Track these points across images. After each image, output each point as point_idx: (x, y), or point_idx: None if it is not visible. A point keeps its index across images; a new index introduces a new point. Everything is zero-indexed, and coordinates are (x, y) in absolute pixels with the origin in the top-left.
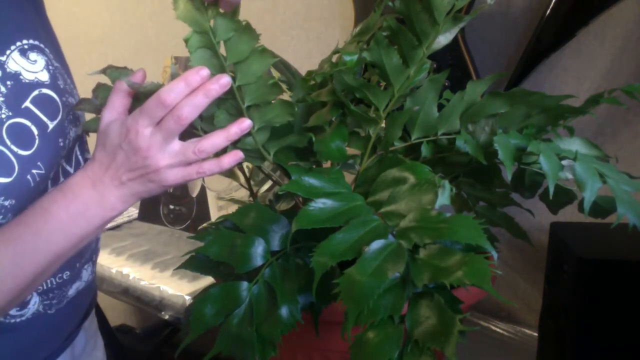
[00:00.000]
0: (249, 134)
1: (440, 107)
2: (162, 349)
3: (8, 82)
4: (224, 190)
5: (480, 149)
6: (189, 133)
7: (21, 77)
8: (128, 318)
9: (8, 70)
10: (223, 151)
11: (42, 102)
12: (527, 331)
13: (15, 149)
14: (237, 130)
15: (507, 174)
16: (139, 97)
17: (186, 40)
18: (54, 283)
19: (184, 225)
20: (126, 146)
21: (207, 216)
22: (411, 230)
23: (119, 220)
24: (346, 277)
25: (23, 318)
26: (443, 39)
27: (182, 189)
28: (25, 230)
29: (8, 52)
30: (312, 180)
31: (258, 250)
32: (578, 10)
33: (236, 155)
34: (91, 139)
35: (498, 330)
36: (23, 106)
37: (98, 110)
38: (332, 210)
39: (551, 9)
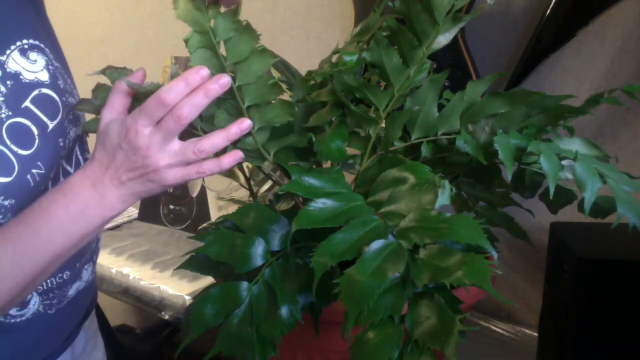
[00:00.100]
0: (249, 134)
1: (440, 107)
2: (162, 349)
3: (8, 82)
4: (224, 190)
5: (480, 149)
6: (188, 133)
7: (21, 76)
8: (128, 318)
9: (8, 70)
10: (223, 151)
11: (42, 101)
12: (527, 331)
13: (15, 148)
14: (237, 130)
15: (507, 174)
16: (139, 97)
17: (186, 41)
18: (54, 283)
19: (184, 225)
20: (126, 146)
21: (207, 216)
22: (411, 230)
23: (119, 220)
24: (346, 277)
25: (23, 318)
26: (443, 39)
27: (182, 189)
28: (24, 229)
29: (8, 51)
30: (312, 180)
31: (258, 250)
32: (578, 10)
33: (236, 155)
34: (91, 139)
35: (498, 330)
36: (23, 106)
37: (98, 110)
38: (332, 210)
39: (551, 9)
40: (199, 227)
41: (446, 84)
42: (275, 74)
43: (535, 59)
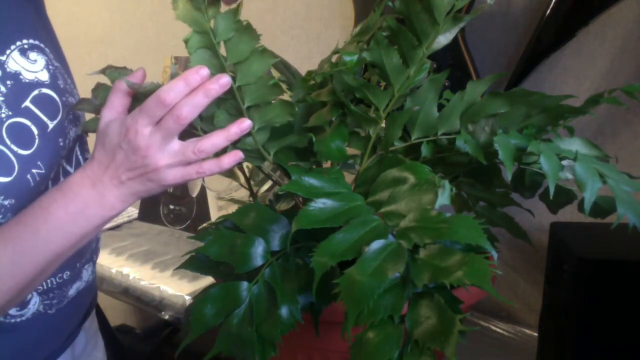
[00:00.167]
0: (249, 134)
1: (440, 107)
2: (162, 349)
3: (8, 82)
4: (224, 190)
5: (480, 149)
6: (188, 133)
7: (21, 76)
8: (128, 318)
9: (8, 69)
10: (223, 151)
11: (42, 101)
12: (527, 331)
13: (15, 148)
14: (237, 131)
15: (507, 174)
16: (139, 97)
17: (186, 41)
18: (54, 283)
19: (184, 225)
20: (125, 145)
21: (207, 216)
22: (411, 230)
23: (119, 220)
24: (346, 277)
25: (23, 318)
26: (443, 39)
27: (182, 189)
28: (24, 229)
29: (8, 51)
30: (312, 180)
31: (258, 250)
32: (578, 10)
33: (236, 156)
34: (91, 139)
35: (498, 330)
36: (23, 106)
37: (97, 110)
38: (332, 210)
39: (551, 9)
40: (199, 227)
41: (446, 84)
42: (275, 74)
43: (535, 59)
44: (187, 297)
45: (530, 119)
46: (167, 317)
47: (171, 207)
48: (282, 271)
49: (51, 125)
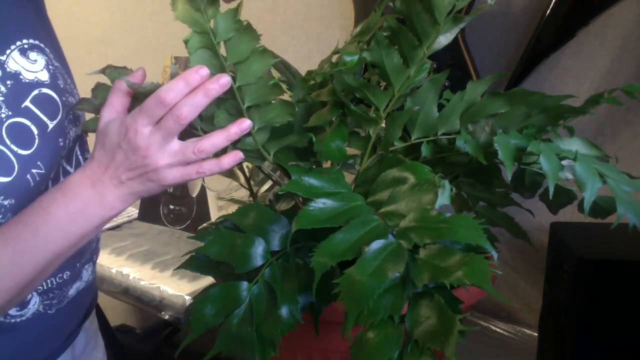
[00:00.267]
0: (249, 134)
1: (440, 107)
2: (162, 349)
3: (8, 82)
4: (224, 190)
5: (480, 149)
6: (188, 133)
7: (21, 76)
8: (128, 318)
9: (8, 69)
10: (223, 151)
11: (42, 101)
12: (527, 331)
13: (15, 148)
14: (237, 131)
15: (507, 174)
16: (138, 97)
17: (186, 41)
18: (54, 283)
19: (184, 225)
20: (125, 145)
21: (207, 216)
22: (411, 230)
23: (119, 220)
24: (346, 277)
25: (23, 318)
26: (443, 39)
27: (182, 189)
28: (24, 229)
29: (8, 51)
30: (312, 180)
31: (258, 250)
32: (578, 10)
33: (236, 156)
34: (91, 139)
35: (498, 330)
36: (23, 106)
37: (97, 110)
38: (332, 210)
39: (551, 9)
40: (199, 227)
41: (446, 84)
42: (276, 74)
43: (535, 59)
44: (187, 297)
45: (530, 119)
46: (167, 317)
47: (171, 207)
48: (282, 271)
49: (51, 125)
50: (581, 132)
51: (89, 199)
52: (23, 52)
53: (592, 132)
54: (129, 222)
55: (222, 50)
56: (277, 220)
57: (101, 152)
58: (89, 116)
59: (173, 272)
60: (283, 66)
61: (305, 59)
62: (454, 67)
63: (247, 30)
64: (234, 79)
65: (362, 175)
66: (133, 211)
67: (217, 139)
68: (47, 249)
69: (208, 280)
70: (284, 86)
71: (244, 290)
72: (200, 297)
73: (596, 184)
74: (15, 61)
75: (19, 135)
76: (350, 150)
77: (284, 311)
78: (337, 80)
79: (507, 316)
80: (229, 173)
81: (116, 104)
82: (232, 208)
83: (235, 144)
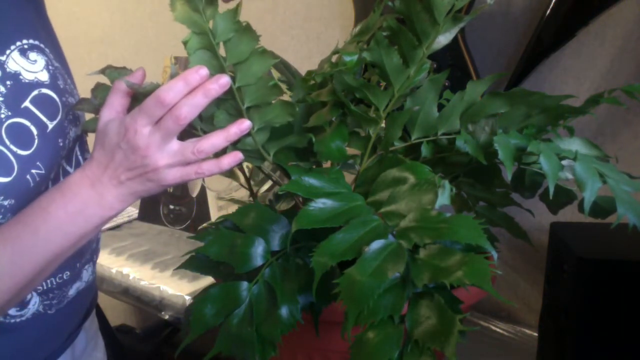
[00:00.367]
0: (248, 134)
1: (440, 107)
2: (162, 349)
3: (8, 82)
4: (224, 190)
5: (480, 149)
6: (188, 133)
7: (21, 77)
8: (128, 318)
9: (8, 70)
10: (223, 151)
11: (42, 102)
12: (527, 331)
13: (14, 148)
14: (236, 131)
15: (507, 174)
16: (138, 97)
17: (185, 42)
18: (54, 283)
19: (184, 225)
20: (125, 145)
21: (207, 216)
22: (411, 230)
23: (119, 220)
24: (346, 277)
25: (23, 318)
26: (443, 39)
27: (182, 189)
28: (23, 229)
29: (8, 51)
30: (312, 180)
31: (258, 250)
32: (578, 10)
33: (236, 156)
34: (91, 139)
35: (498, 330)
36: (22, 106)
37: (97, 110)
38: (332, 210)
39: (551, 9)
40: (199, 227)
41: (446, 84)
42: (275, 74)
43: (535, 59)
44: (187, 297)
45: (530, 119)
46: (167, 317)
47: (171, 207)
48: (282, 271)
49: (51, 125)
50: (581, 132)
51: (88, 199)
52: (23, 52)
53: (592, 132)
54: (129, 222)
55: (222, 51)
56: (277, 220)
57: (100, 152)
58: (88, 116)
59: (173, 272)
60: (283, 66)
61: (305, 59)
62: (454, 67)
63: (247, 30)
64: (233, 79)
65: (362, 175)
66: (133, 211)
67: (217, 139)
68: (47, 249)
69: (208, 280)
70: (284, 86)
71: (244, 290)
72: (200, 297)
73: (596, 184)
74: (15, 61)
75: (19, 135)
76: (350, 150)
77: (284, 311)
78: (337, 80)
79: (507, 316)
80: (229, 173)
81: (116, 104)
82: (232, 208)
83: (235, 144)
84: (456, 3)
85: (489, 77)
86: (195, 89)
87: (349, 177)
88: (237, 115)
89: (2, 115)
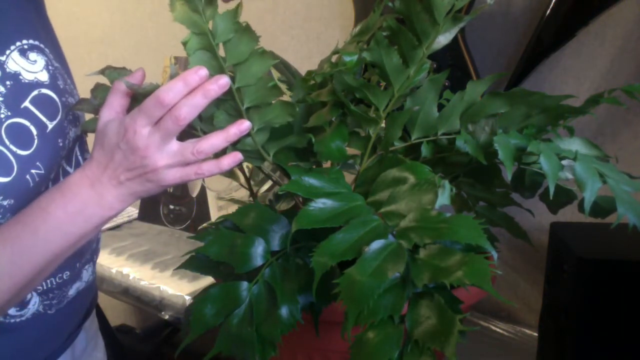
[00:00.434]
0: (248, 134)
1: (440, 107)
2: (162, 349)
3: (7, 82)
4: (224, 190)
5: (480, 149)
6: (188, 133)
7: (21, 77)
8: (128, 318)
9: (7, 70)
10: (222, 152)
11: (42, 102)
12: (527, 331)
13: (14, 148)
14: (236, 132)
15: (507, 174)
16: (138, 97)
17: (184, 43)
18: (54, 283)
19: (184, 225)
20: (124, 145)
21: (207, 216)
22: (411, 230)
23: (119, 220)
24: (346, 277)
25: (23, 318)
26: (443, 39)
27: (182, 189)
28: (23, 229)
29: (8, 52)
30: (312, 180)
31: (258, 250)
32: (578, 10)
33: (235, 157)
34: (91, 139)
35: (498, 330)
36: (22, 106)
37: (97, 110)
38: (332, 210)
39: (551, 9)
40: (199, 227)
41: (446, 84)
42: (275, 74)
43: (535, 59)
44: (187, 297)
45: (530, 119)
46: (167, 317)
47: (171, 207)
48: (282, 271)
49: (50, 125)
50: (581, 132)
51: (87, 199)
52: (23, 52)
53: (592, 132)
54: (129, 222)
55: (221, 52)
56: (277, 220)
57: (100, 153)
58: (88, 117)
59: (173, 272)
60: (283, 66)
61: (305, 59)
62: (454, 67)
63: (247, 31)
64: (233, 80)
65: (362, 175)
66: (133, 211)
67: (216, 140)
68: (46, 249)
69: (208, 280)
70: (284, 86)
71: (244, 290)
72: (200, 297)
73: (596, 184)
74: (14, 62)
75: (18, 135)
76: (350, 150)
77: (284, 311)
78: (337, 80)
79: (507, 316)
80: (229, 173)
81: (115, 104)
82: (232, 208)
83: (234, 145)
84: (456, 3)
85: (489, 77)
86: (195, 89)
87: (349, 177)
88: (237, 115)
89: (2, 116)
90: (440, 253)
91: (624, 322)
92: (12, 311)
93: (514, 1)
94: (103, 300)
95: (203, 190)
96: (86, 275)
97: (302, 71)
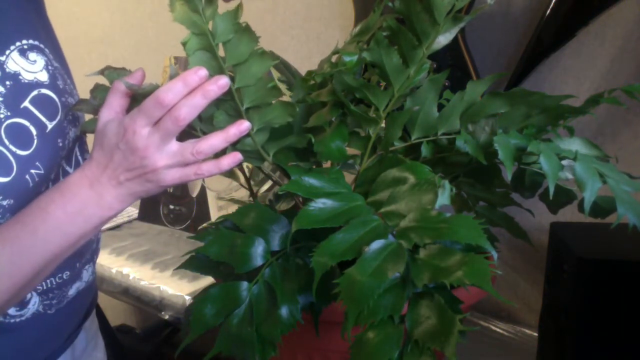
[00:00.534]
0: (248, 135)
1: (440, 107)
2: (162, 349)
3: (7, 82)
4: (224, 190)
5: (480, 149)
6: (187, 134)
7: (20, 77)
8: (128, 318)
9: (7, 70)
10: (222, 152)
11: (41, 102)
12: (527, 331)
13: (13, 148)
14: (235, 132)
15: (507, 174)
16: (137, 97)
17: (184, 43)
18: (54, 283)
19: (184, 225)
20: (123, 146)
21: (207, 216)
22: (411, 230)
23: (119, 220)
24: (346, 277)
25: (23, 318)
26: (443, 39)
27: (182, 189)
28: (22, 229)
29: (7, 52)
30: (312, 180)
31: (258, 250)
32: (578, 10)
33: (235, 157)
34: (91, 139)
35: (498, 330)
36: (22, 106)
37: (96, 110)
38: (332, 210)
39: (551, 9)
40: (199, 227)
41: (446, 84)
42: (275, 74)
43: (535, 59)
44: (187, 297)
45: (530, 119)
46: (167, 317)
47: (171, 207)
48: (282, 271)
49: (50, 125)
50: (581, 132)
51: (87, 199)
52: (22, 52)
53: (592, 132)
54: (129, 222)
55: (221, 52)
56: (277, 220)
57: (100, 153)
58: (88, 117)
59: (173, 272)
60: (283, 66)
61: (305, 59)
62: (454, 67)
63: (246, 31)
64: (232, 80)
65: (362, 175)
66: (133, 211)
67: (216, 140)
68: (46, 249)
69: (208, 280)
70: (283, 87)
71: (244, 290)
72: (200, 297)
73: (596, 184)
74: (14, 62)
75: (18, 135)
76: (350, 150)
77: (284, 311)
78: (337, 80)
79: (507, 316)
80: (229, 173)
81: (115, 104)
82: (232, 208)
83: (234, 145)
84: (456, 3)
85: (489, 77)
86: (195, 90)
87: (349, 177)
88: (237, 116)
89: (2, 116)
90: (440, 253)
91: (624, 322)
92: (12, 311)
93: (514, 1)
94: (103, 300)
95: (203, 190)
96: (86, 275)
97: (302, 71)
